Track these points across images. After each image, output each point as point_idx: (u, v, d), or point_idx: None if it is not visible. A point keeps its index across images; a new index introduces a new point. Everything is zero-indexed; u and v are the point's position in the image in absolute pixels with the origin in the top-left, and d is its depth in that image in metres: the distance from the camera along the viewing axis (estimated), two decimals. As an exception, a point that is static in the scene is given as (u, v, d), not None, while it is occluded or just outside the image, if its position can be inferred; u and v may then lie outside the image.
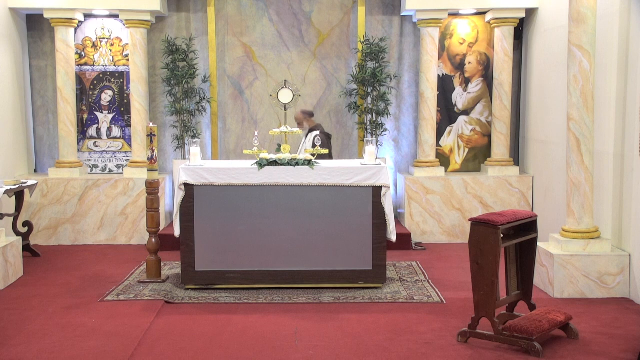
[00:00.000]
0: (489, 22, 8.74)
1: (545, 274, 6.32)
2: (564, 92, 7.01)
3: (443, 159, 8.92)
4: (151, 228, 6.68)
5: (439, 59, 8.76)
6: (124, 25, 8.60)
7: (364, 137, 8.88)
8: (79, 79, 8.84)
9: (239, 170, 6.39)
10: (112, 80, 8.90)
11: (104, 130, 8.93)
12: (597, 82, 6.35)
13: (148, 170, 6.67)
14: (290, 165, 6.38)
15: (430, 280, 6.71)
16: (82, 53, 8.84)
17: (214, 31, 9.01)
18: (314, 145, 6.98)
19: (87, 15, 8.75)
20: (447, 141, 8.98)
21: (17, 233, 7.64)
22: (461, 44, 8.87)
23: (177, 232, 6.46)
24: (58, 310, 5.85)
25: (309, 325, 5.44)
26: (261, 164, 6.38)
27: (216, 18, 9.03)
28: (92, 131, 8.92)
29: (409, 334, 5.21)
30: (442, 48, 8.84)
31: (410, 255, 7.84)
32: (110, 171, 8.96)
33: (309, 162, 6.40)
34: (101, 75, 8.88)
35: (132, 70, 8.58)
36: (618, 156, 6.31)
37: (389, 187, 6.39)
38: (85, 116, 8.89)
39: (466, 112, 8.95)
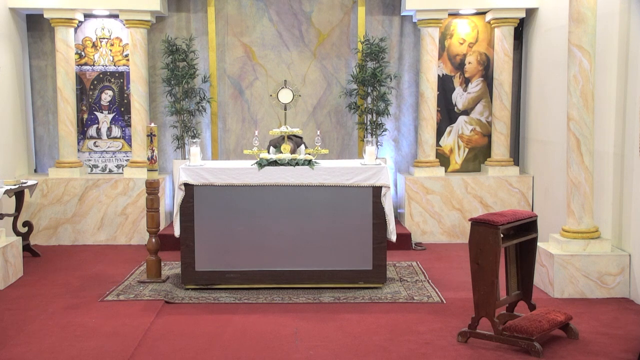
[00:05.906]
0: (489, 22, 8.73)
1: (545, 274, 6.32)
2: (564, 92, 7.01)
3: (443, 159, 8.91)
4: (151, 228, 6.68)
5: (439, 59, 8.76)
6: (124, 25, 8.59)
7: (364, 137, 8.88)
8: (79, 79, 8.84)
9: (239, 170, 6.38)
10: (112, 80, 8.89)
11: (104, 130, 8.93)
12: (597, 82, 6.35)
13: (148, 170, 6.67)
14: (290, 165, 6.38)
15: (430, 280, 6.70)
16: (82, 53, 8.84)
17: (214, 31, 9.01)
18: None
19: (87, 15, 8.75)
20: (447, 141, 8.97)
21: (17, 233, 7.64)
22: (461, 44, 8.87)
23: (177, 232, 6.46)
24: (58, 310, 5.85)
25: (309, 325, 5.44)
26: (261, 164, 6.38)
27: (216, 18, 9.03)
28: (92, 131, 8.92)
29: (409, 334, 5.21)
30: (442, 48, 8.84)
31: (410, 255, 7.84)
32: (110, 171, 8.95)
33: (309, 162, 6.40)
34: (101, 75, 8.87)
35: (132, 70, 8.57)
36: (618, 156, 6.31)
37: (389, 187, 6.39)
38: (85, 116, 8.89)
39: (466, 112, 8.95)
